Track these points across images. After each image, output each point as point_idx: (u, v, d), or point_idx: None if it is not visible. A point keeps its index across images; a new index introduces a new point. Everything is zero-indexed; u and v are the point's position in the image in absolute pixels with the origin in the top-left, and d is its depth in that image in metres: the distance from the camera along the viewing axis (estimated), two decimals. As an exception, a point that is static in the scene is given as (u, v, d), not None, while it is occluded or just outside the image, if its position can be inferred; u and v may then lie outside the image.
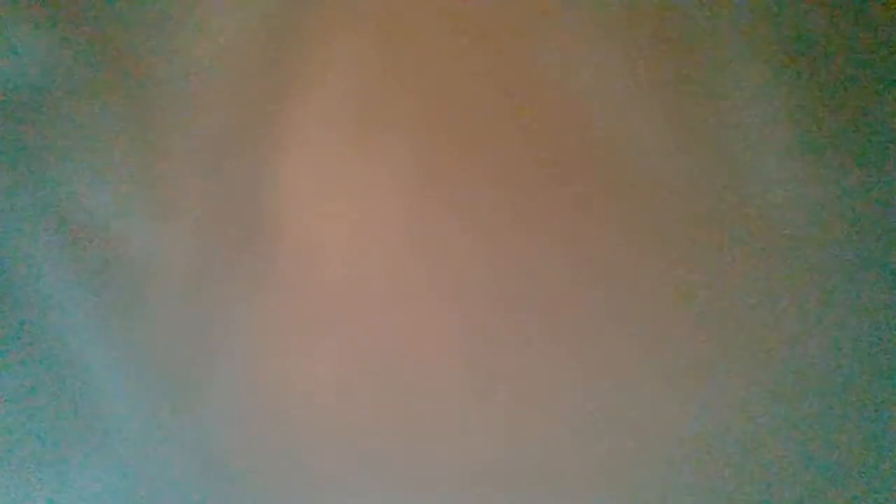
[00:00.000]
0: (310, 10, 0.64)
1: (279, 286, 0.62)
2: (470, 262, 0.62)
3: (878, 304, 0.61)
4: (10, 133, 0.64)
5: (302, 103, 0.64)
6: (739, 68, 0.63)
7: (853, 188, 0.62)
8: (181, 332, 0.62)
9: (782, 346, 0.61)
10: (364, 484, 0.61)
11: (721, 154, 0.63)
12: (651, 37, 0.63)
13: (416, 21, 0.64)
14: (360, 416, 0.62)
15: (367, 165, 0.63)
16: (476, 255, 0.62)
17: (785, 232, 0.62)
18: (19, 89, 0.64)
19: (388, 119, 0.63)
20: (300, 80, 0.64)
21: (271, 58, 0.64)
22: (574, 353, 0.61)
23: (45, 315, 0.62)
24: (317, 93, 0.64)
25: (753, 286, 0.62)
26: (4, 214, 0.63)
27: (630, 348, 0.61)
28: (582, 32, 0.64)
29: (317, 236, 0.63)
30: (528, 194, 0.63)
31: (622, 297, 0.62)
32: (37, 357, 0.62)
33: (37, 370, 0.62)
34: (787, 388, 0.61)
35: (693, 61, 0.63)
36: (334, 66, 0.64)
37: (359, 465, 0.61)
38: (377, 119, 0.64)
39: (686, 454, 0.61)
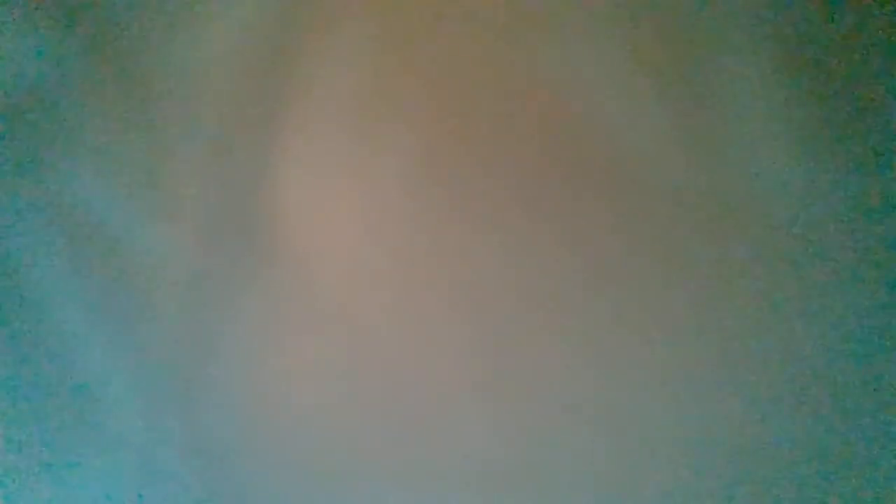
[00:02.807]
0: (309, 7, 0.64)
1: (280, 285, 0.62)
2: (473, 259, 0.62)
3: (879, 305, 0.61)
4: (10, 133, 0.64)
5: (302, 101, 0.64)
6: (739, 68, 0.63)
7: (853, 188, 0.62)
8: (182, 332, 0.62)
9: (783, 346, 0.61)
10: (365, 483, 0.61)
11: (721, 154, 0.63)
12: (651, 37, 0.63)
13: (417, 15, 0.64)
14: (361, 415, 0.62)
15: (369, 163, 0.63)
16: (479, 252, 0.62)
17: (785, 232, 0.62)
18: (19, 89, 0.64)
19: (390, 116, 0.63)
20: (300, 78, 0.64)
21: (271, 56, 0.64)
22: (576, 351, 0.62)
23: (45, 315, 0.62)
24: (317, 90, 0.64)
25: (754, 286, 0.62)
26: (4, 214, 0.63)
27: (632, 347, 0.61)
28: (582, 30, 0.64)
29: (318, 234, 0.63)
30: (531, 191, 0.63)
31: (623, 296, 0.62)
32: (37, 357, 0.62)
33: (37, 370, 0.62)
34: (787, 388, 0.61)
35: (693, 61, 0.63)
36: (335, 61, 0.64)
37: (360, 465, 0.61)
38: (379, 116, 0.64)
39: (687, 454, 0.61)
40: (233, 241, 0.63)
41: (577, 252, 0.62)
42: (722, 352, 0.61)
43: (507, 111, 0.63)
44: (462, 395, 0.61)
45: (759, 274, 0.62)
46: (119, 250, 0.63)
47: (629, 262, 0.62)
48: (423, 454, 0.61)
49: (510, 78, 0.64)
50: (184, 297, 0.63)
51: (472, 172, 0.63)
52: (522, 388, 0.61)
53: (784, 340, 0.61)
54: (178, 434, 0.62)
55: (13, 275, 0.63)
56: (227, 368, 0.62)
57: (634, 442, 0.61)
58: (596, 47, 0.63)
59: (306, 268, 0.63)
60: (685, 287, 0.62)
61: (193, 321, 0.62)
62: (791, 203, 0.62)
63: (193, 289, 0.63)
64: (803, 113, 0.63)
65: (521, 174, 0.63)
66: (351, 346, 0.62)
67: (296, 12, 0.64)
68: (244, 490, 0.61)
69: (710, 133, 0.63)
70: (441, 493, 0.61)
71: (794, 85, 0.63)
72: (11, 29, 0.64)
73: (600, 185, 0.63)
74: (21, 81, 0.64)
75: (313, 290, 0.62)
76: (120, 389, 0.62)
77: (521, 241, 0.62)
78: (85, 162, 0.64)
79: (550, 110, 0.63)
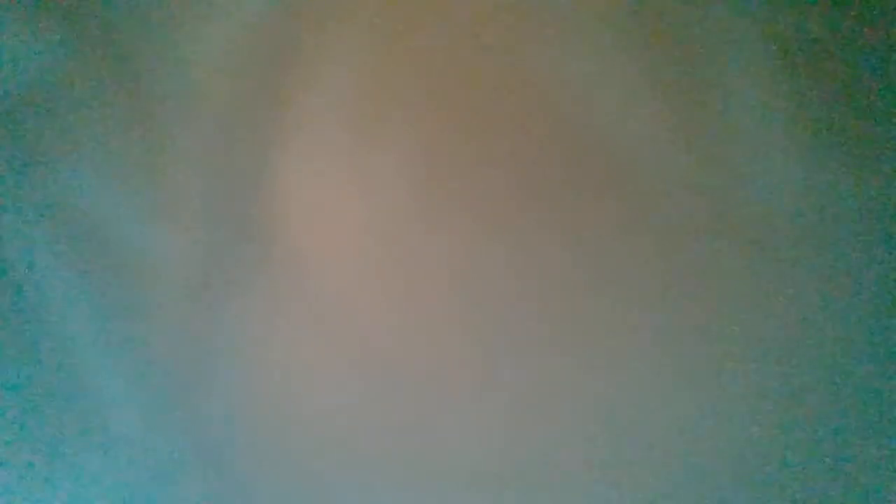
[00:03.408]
0: (309, 6, 0.64)
1: (281, 284, 0.62)
2: (474, 258, 0.62)
3: (878, 304, 0.61)
4: (10, 133, 0.64)
5: (302, 99, 0.64)
6: (739, 68, 0.63)
7: (853, 188, 0.62)
8: (181, 332, 0.62)
9: (782, 346, 0.61)
10: (366, 483, 0.61)
11: (721, 154, 0.63)
12: (651, 36, 0.63)
13: (418, 13, 0.64)
14: (362, 415, 0.61)
15: (369, 161, 0.63)
16: (480, 250, 0.62)
17: (785, 232, 0.62)
18: (19, 89, 0.64)
19: (390, 114, 0.63)
20: (300, 76, 0.64)
21: (271, 55, 0.64)
22: (578, 349, 0.62)
23: (45, 315, 0.62)
24: (317, 88, 0.64)
25: (754, 286, 0.62)
26: (4, 214, 0.63)
27: (632, 346, 0.61)
28: (583, 30, 0.64)
29: (319, 233, 0.63)
30: (532, 190, 0.63)
31: (624, 295, 0.62)
32: (37, 357, 0.62)
33: (37, 370, 0.62)
34: (787, 388, 0.61)
35: (693, 62, 0.63)
36: (335, 60, 0.64)
37: (361, 465, 0.61)
38: (380, 114, 0.63)
39: (687, 454, 0.61)
40: (233, 241, 0.63)
41: (578, 250, 0.62)
42: (722, 350, 0.61)
43: (507, 109, 0.63)
44: (463, 395, 0.61)
45: (759, 273, 0.62)
46: (119, 250, 0.63)
47: (630, 261, 0.62)
48: (425, 454, 0.61)
49: (511, 76, 0.64)
50: (184, 296, 0.62)
51: (474, 170, 0.63)
52: (523, 386, 0.61)
53: (784, 340, 0.61)
54: (179, 434, 0.62)
55: (13, 275, 0.63)
56: (228, 368, 0.62)
57: (635, 440, 0.61)
58: (597, 46, 0.63)
59: (307, 267, 0.63)
60: (685, 284, 0.62)
61: (194, 321, 0.62)
62: (791, 203, 0.62)
63: (194, 288, 0.63)
64: (803, 113, 0.63)
65: (521, 173, 0.63)
66: (352, 344, 0.62)
67: (296, 11, 0.64)
68: (245, 490, 0.61)
69: (711, 133, 0.63)
70: (442, 493, 0.61)
71: (794, 85, 0.63)
72: (11, 29, 0.64)
73: (602, 182, 0.63)
74: (21, 81, 0.64)
75: (314, 289, 0.62)
76: (120, 389, 0.62)
77: (521, 240, 0.62)
78: (85, 162, 0.63)
79: (552, 108, 0.63)
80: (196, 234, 0.63)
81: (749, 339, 0.61)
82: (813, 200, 0.62)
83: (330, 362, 0.62)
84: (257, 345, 0.62)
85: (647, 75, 0.63)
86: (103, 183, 0.63)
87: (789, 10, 0.63)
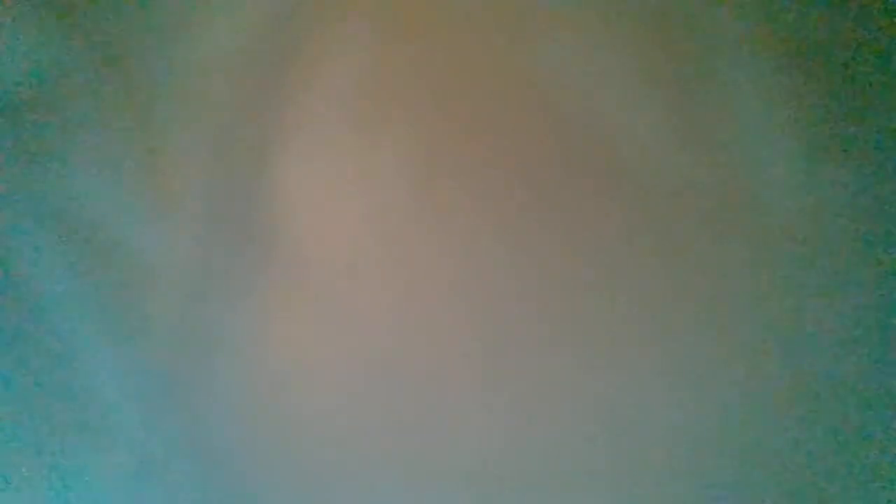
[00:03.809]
0: (309, 6, 0.65)
1: (281, 283, 0.62)
2: (475, 255, 0.62)
3: (878, 304, 0.61)
4: (10, 133, 0.64)
5: (303, 96, 0.64)
6: (739, 68, 0.63)
7: (853, 188, 0.62)
8: (182, 331, 0.62)
9: (783, 345, 0.61)
10: (365, 483, 0.61)
11: (721, 154, 0.63)
12: (651, 36, 0.63)
13: (419, 11, 0.64)
14: (362, 415, 0.61)
15: (370, 159, 0.63)
16: (481, 247, 0.62)
17: (785, 232, 0.62)
18: (19, 89, 0.64)
19: (391, 112, 0.63)
20: (301, 74, 0.64)
21: (271, 54, 0.64)
22: (577, 351, 0.62)
23: (44, 315, 0.62)
24: (318, 86, 0.64)
25: (754, 286, 0.62)
26: (4, 214, 0.63)
27: (633, 345, 0.61)
28: (583, 29, 0.64)
29: (320, 232, 0.63)
30: (533, 187, 0.63)
31: (625, 294, 0.62)
32: (37, 358, 0.62)
33: (37, 371, 0.62)
34: (787, 388, 0.61)
35: (693, 61, 0.63)
36: (335, 57, 0.64)
37: (360, 465, 0.61)
38: (380, 112, 0.64)
39: (687, 454, 0.61)
40: (233, 240, 0.63)
41: (578, 250, 0.62)
42: (722, 350, 0.61)
43: (508, 106, 0.63)
44: (464, 395, 0.61)
45: (759, 273, 0.62)
46: (118, 250, 0.63)
47: (630, 261, 0.62)
48: (425, 453, 0.61)
49: (512, 73, 0.64)
50: (183, 296, 0.62)
51: (474, 170, 0.63)
52: (523, 386, 0.61)
53: (784, 339, 0.61)
54: (178, 434, 0.62)
55: (13, 275, 0.63)
56: (227, 368, 0.62)
57: (635, 440, 0.61)
58: (597, 46, 0.64)
59: (307, 266, 0.63)
60: (686, 283, 0.62)
61: (193, 320, 0.62)
62: (792, 202, 0.62)
63: (193, 288, 0.63)
64: (803, 112, 0.63)
65: (522, 173, 0.63)
66: (351, 344, 0.62)
67: (296, 9, 0.65)
68: (244, 489, 0.61)
69: (712, 132, 0.63)
70: (442, 493, 0.61)
71: (794, 84, 0.63)
72: (11, 29, 0.64)
73: (602, 182, 0.63)
74: (21, 81, 0.64)
75: (314, 288, 0.62)
76: (119, 389, 0.62)
77: (521, 240, 0.62)
78: (85, 162, 0.63)
79: (553, 106, 0.63)
80: (196, 234, 0.63)
81: (749, 339, 0.61)
82: (813, 200, 0.62)
83: (330, 362, 0.62)
84: (258, 345, 0.62)
85: (648, 75, 0.63)
86: (103, 183, 0.63)
87: (789, 10, 0.63)
